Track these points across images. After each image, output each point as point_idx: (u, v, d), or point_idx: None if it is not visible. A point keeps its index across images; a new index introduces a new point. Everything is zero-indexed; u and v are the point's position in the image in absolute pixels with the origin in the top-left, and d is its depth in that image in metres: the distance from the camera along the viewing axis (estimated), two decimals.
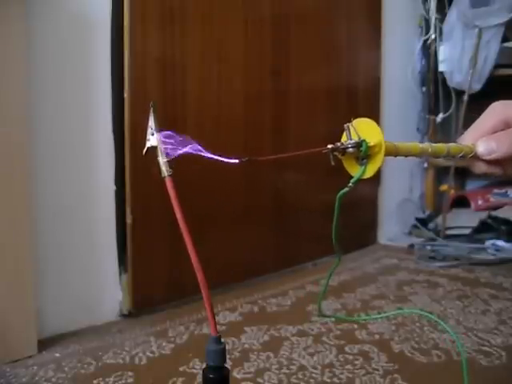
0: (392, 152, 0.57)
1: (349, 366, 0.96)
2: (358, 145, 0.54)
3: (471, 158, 0.65)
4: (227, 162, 0.50)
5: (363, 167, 0.56)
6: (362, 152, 0.55)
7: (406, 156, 0.59)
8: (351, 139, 0.55)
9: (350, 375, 0.92)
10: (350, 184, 0.56)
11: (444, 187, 2.20)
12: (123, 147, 1.21)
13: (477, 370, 0.95)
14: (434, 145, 0.62)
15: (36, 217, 1.07)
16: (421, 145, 0.61)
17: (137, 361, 0.99)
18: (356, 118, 0.55)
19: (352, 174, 0.57)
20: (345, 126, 0.55)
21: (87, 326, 1.17)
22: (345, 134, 0.55)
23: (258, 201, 1.56)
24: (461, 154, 0.64)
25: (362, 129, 0.55)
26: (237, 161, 0.51)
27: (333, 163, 0.56)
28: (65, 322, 1.13)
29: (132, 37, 1.20)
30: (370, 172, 0.56)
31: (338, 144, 0.55)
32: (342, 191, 0.57)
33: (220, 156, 0.50)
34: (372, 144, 0.54)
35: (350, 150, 0.55)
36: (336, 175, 1.80)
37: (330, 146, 0.55)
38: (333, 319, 1.21)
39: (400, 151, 0.58)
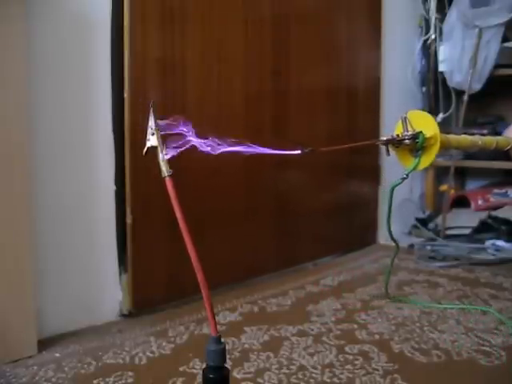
0: (445, 144, 0.57)
1: (349, 366, 0.96)
2: (415, 136, 0.54)
3: None
4: (290, 154, 0.50)
5: (418, 159, 0.56)
6: (419, 143, 0.55)
7: (457, 148, 0.60)
8: (407, 131, 0.55)
9: (350, 375, 0.92)
10: (405, 175, 0.57)
11: (444, 187, 2.20)
12: (123, 147, 1.21)
13: (477, 370, 0.95)
14: (483, 138, 0.63)
15: (36, 217, 1.07)
16: (471, 137, 0.61)
17: (137, 361, 0.99)
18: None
19: (405, 166, 0.57)
20: (401, 117, 0.55)
21: (87, 326, 1.17)
22: (400, 125, 0.55)
23: (258, 201, 1.56)
24: (508, 147, 0.64)
25: (416, 121, 0.55)
26: (299, 151, 0.51)
27: (388, 155, 0.56)
28: (65, 322, 1.13)
29: (132, 37, 1.20)
30: (424, 163, 0.57)
31: (394, 136, 0.55)
32: (395, 182, 0.57)
33: (281, 150, 0.50)
34: (428, 136, 0.54)
35: (407, 141, 0.55)
36: (336, 175, 1.81)
37: (384, 138, 0.55)
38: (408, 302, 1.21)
39: (452, 143, 0.58)
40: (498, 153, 0.68)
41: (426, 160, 0.57)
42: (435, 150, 0.55)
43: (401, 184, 0.57)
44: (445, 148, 0.58)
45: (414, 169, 0.57)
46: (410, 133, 0.55)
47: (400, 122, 0.55)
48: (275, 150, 0.52)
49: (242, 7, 1.47)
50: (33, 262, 1.03)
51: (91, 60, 1.18)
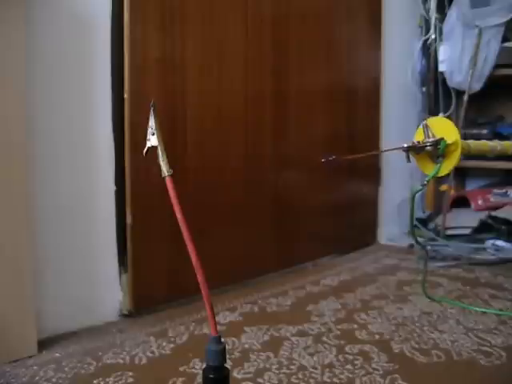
0: (465, 150, 0.57)
1: (349, 366, 0.96)
2: (437, 143, 0.54)
3: None
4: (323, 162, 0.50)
5: (439, 165, 0.56)
6: (440, 150, 0.55)
7: (477, 154, 0.60)
8: (429, 137, 0.55)
9: (350, 375, 0.92)
10: (425, 182, 0.57)
11: (444, 187, 2.20)
12: (123, 147, 1.21)
13: (477, 370, 0.95)
14: (501, 143, 0.63)
15: (36, 217, 1.07)
16: (490, 143, 0.61)
17: (137, 361, 0.99)
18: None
19: (426, 172, 0.57)
20: (422, 124, 0.55)
21: (87, 326, 1.17)
22: (420, 132, 0.55)
23: (258, 201, 1.56)
24: None
25: (436, 127, 0.55)
26: (323, 160, 0.51)
27: (409, 162, 0.55)
28: (65, 322, 1.13)
29: (132, 37, 1.20)
30: (445, 170, 0.57)
31: (416, 142, 0.55)
32: (417, 189, 0.58)
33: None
34: (450, 142, 0.54)
35: (428, 148, 0.55)
36: (336, 175, 1.82)
37: (406, 145, 0.55)
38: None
39: (472, 149, 0.59)
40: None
41: (447, 166, 0.57)
42: (456, 156, 0.56)
43: (422, 190, 0.57)
44: (465, 154, 0.58)
45: (435, 175, 0.57)
46: (431, 139, 0.55)
47: (420, 128, 0.55)
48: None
49: (242, 7, 1.48)
50: (33, 262, 1.02)
51: (91, 60, 1.18)
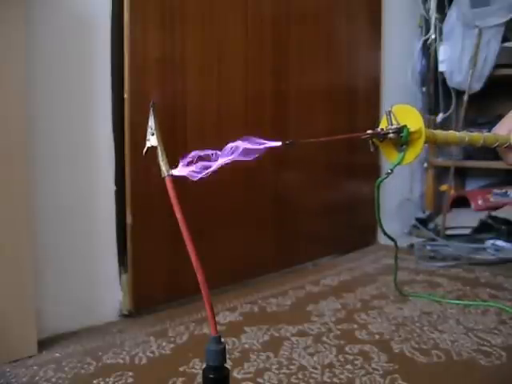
0: (430, 139, 0.56)
1: (349, 366, 0.96)
2: (399, 130, 0.54)
3: (506, 147, 0.65)
4: (272, 147, 0.50)
5: (402, 153, 0.56)
6: (403, 138, 0.54)
7: (444, 144, 0.60)
8: (392, 125, 0.54)
9: (350, 375, 0.92)
10: (389, 170, 0.56)
11: (444, 187, 2.20)
12: (123, 147, 1.21)
13: (477, 370, 0.95)
14: (470, 134, 0.62)
15: (36, 217, 1.07)
16: (458, 134, 0.61)
17: (137, 361, 0.99)
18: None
19: (390, 161, 0.57)
20: (385, 111, 0.55)
21: (87, 326, 1.17)
22: (384, 119, 0.55)
23: (257, 201, 1.56)
24: (496, 144, 0.63)
25: (401, 115, 0.55)
26: (280, 143, 0.51)
27: (372, 149, 0.55)
28: (65, 322, 1.13)
29: (132, 37, 1.20)
30: (409, 158, 0.56)
31: (379, 130, 0.55)
32: (380, 178, 0.57)
33: (263, 142, 0.50)
34: (413, 130, 0.54)
35: (391, 135, 0.54)
36: (336, 175, 1.81)
37: (369, 132, 0.55)
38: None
39: (438, 139, 0.58)
40: (498, 152, 0.67)
41: (411, 155, 0.56)
42: (420, 144, 0.55)
43: (385, 179, 0.56)
44: (431, 143, 0.57)
45: (399, 163, 0.56)
46: (394, 126, 0.55)
47: (385, 115, 0.55)
48: (255, 143, 0.52)
49: (242, 7, 1.48)
50: (33, 262, 1.02)
51: (91, 60, 1.18)
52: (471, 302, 1.29)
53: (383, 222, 0.66)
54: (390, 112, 0.55)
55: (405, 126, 0.54)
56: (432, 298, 1.34)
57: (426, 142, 0.55)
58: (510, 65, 2.07)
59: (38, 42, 1.07)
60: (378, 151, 0.57)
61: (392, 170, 0.56)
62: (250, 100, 1.51)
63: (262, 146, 0.49)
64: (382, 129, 0.55)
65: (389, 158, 0.57)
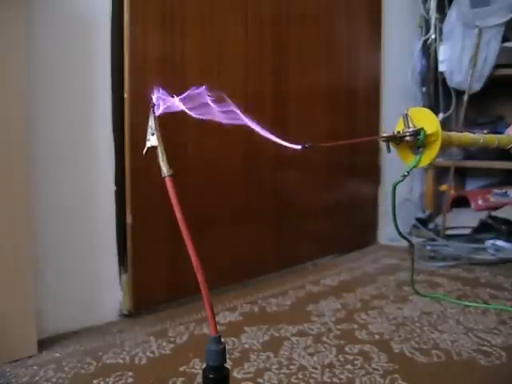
0: (446, 141, 0.57)
1: (349, 366, 0.96)
2: (416, 133, 0.54)
3: None
4: (291, 148, 0.50)
5: (419, 156, 0.56)
6: (420, 140, 0.54)
7: (458, 146, 0.60)
8: (409, 128, 0.54)
9: (350, 375, 0.92)
10: (406, 173, 0.56)
11: (444, 187, 2.20)
12: (123, 147, 1.21)
13: (477, 370, 0.95)
14: (485, 136, 0.62)
15: (36, 217, 1.07)
16: (472, 135, 0.61)
17: (137, 361, 0.99)
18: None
19: (406, 164, 0.57)
20: (402, 114, 0.55)
21: (87, 326, 1.17)
22: (400, 122, 0.55)
23: (258, 201, 1.56)
24: (510, 146, 0.63)
25: (417, 118, 0.55)
26: (299, 147, 0.51)
27: (388, 152, 0.55)
28: (65, 322, 1.13)
29: (132, 37, 1.20)
30: (425, 161, 0.56)
31: (395, 133, 0.55)
32: (397, 181, 0.57)
33: (283, 141, 0.50)
34: (429, 132, 0.54)
35: (408, 138, 0.54)
36: (336, 175, 1.81)
37: (385, 135, 0.55)
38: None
39: (453, 141, 0.58)
40: (498, 152, 0.68)
41: (428, 157, 0.56)
42: (437, 147, 0.55)
43: (402, 182, 0.57)
44: (446, 145, 0.57)
45: (415, 166, 0.56)
46: (411, 129, 0.55)
47: (401, 118, 0.55)
48: (277, 137, 0.52)
49: (242, 7, 1.48)
50: (33, 262, 1.02)
51: (91, 60, 1.18)
52: (491, 306, 1.27)
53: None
54: (406, 115, 0.55)
55: (422, 128, 0.54)
56: (448, 299, 1.32)
57: (442, 145, 0.55)
58: (510, 65, 2.07)
59: (38, 43, 1.07)
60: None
61: (408, 173, 0.56)
62: (250, 100, 1.51)
63: (279, 141, 0.50)
64: (399, 131, 0.55)
65: (405, 161, 0.57)
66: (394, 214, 0.62)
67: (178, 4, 1.30)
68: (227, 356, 0.57)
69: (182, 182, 1.33)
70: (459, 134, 0.60)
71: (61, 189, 1.13)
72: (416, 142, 0.55)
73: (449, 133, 0.58)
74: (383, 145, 0.57)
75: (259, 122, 0.53)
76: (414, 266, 1.72)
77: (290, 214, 1.67)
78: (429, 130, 0.54)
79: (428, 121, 0.55)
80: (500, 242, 1.90)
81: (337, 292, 1.43)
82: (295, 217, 1.69)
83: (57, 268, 1.13)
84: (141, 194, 1.24)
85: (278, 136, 0.50)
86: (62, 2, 1.11)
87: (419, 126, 0.54)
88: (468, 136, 0.61)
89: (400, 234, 0.62)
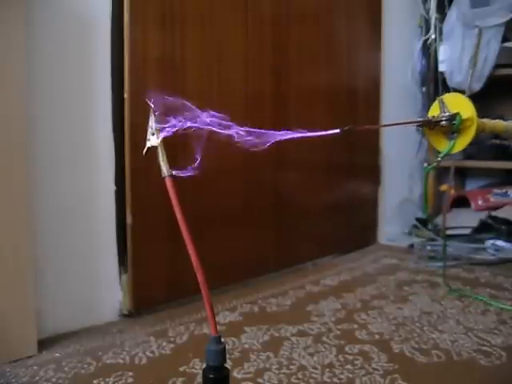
0: (480, 127, 0.56)
1: (349, 366, 0.96)
2: (452, 118, 0.54)
3: None
4: (329, 134, 0.50)
5: (453, 141, 0.55)
6: (456, 125, 0.54)
7: (491, 132, 0.59)
8: (445, 112, 0.54)
9: (350, 375, 0.92)
10: (439, 158, 0.56)
11: (444, 187, 2.20)
12: (123, 147, 1.21)
13: (477, 370, 0.95)
14: None
15: (36, 217, 1.07)
16: (505, 123, 0.61)
17: (137, 361, 0.99)
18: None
19: (438, 149, 0.56)
20: (438, 99, 0.54)
21: (87, 326, 1.17)
22: (435, 107, 0.54)
23: (258, 201, 1.56)
24: None
25: (451, 103, 0.54)
26: (338, 130, 0.51)
27: (423, 138, 0.56)
28: (65, 322, 1.13)
29: (132, 37, 1.20)
30: (459, 146, 0.56)
31: (430, 117, 0.55)
32: (429, 166, 0.57)
33: (319, 131, 0.50)
34: (465, 117, 0.54)
35: (443, 123, 0.54)
36: (336, 175, 1.81)
37: (420, 119, 0.55)
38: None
39: (486, 127, 0.58)
40: (498, 152, 0.68)
41: (462, 143, 0.56)
42: (471, 132, 0.55)
43: (432, 169, 0.56)
44: (479, 132, 0.57)
45: (449, 152, 0.56)
46: (447, 114, 0.54)
47: (436, 103, 0.55)
48: (313, 132, 0.53)
49: (241, 8, 1.48)
50: (33, 262, 1.02)
51: (91, 60, 1.18)
52: None
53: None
54: (442, 100, 0.54)
55: (458, 113, 0.54)
56: (486, 301, 1.31)
57: (476, 131, 0.55)
58: (510, 65, 2.07)
59: (38, 43, 1.07)
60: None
61: (442, 158, 0.56)
62: (250, 100, 1.51)
63: (318, 134, 0.50)
64: (434, 116, 0.55)
65: (437, 147, 0.57)
66: (426, 200, 0.62)
67: (178, 4, 1.30)
68: (227, 356, 0.57)
69: (182, 181, 1.33)
70: (492, 121, 0.60)
71: (61, 189, 1.13)
72: (451, 127, 0.54)
73: (482, 120, 0.57)
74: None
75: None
76: (415, 266, 1.72)
77: (290, 214, 1.67)
78: (464, 115, 0.54)
79: (463, 106, 0.55)
80: (500, 242, 1.90)
81: (337, 292, 1.44)
82: (295, 217, 1.69)
83: (57, 268, 1.13)
84: (141, 194, 1.24)
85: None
86: (62, 2, 1.11)
87: (455, 111, 0.54)
88: (501, 123, 0.60)
89: (430, 220, 0.62)
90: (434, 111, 0.55)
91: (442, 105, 0.54)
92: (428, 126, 0.55)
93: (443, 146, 0.57)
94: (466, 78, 2.10)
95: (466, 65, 2.10)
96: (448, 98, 0.55)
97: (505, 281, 1.54)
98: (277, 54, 1.59)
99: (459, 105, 0.54)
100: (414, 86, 2.27)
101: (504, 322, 1.18)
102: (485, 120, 0.58)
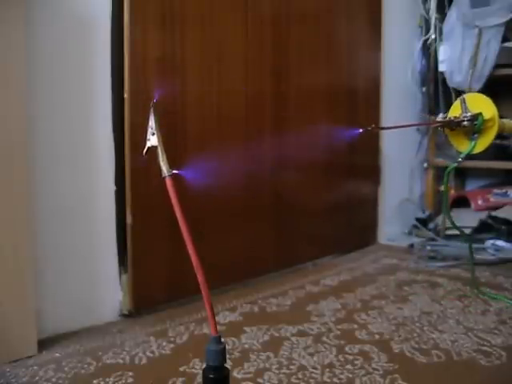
0: (500, 127, 0.56)
1: (349, 366, 0.96)
2: (474, 118, 0.53)
3: None
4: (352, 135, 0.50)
5: (474, 142, 0.55)
6: (477, 125, 0.53)
7: (510, 132, 0.59)
8: (467, 112, 0.54)
9: (350, 375, 0.92)
10: (460, 159, 0.56)
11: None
12: (123, 147, 1.21)
13: (477, 370, 0.95)
14: None
15: (36, 217, 1.07)
16: None
17: (137, 361, 0.99)
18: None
19: (459, 149, 0.56)
20: (459, 98, 0.54)
21: (87, 326, 1.17)
22: (455, 107, 0.54)
23: (257, 201, 1.56)
24: None
25: (472, 103, 0.54)
26: (360, 130, 0.51)
27: (444, 138, 0.55)
28: (65, 322, 1.14)
29: (132, 37, 1.20)
30: (480, 147, 0.55)
31: (452, 117, 0.54)
32: (451, 166, 0.57)
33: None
34: (487, 118, 0.53)
35: (465, 123, 0.54)
36: (336, 175, 1.82)
37: (441, 120, 0.54)
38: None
39: (506, 128, 0.58)
40: (498, 152, 0.68)
41: (483, 143, 0.56)
42: (493, 132, 0.55)
43: (453, 169, 0.55)
44: (500, 132, 0.57)
45: (470, 152, 0.55)
46: (468, 114, 0.54)
47: (457, 103, 0.54)
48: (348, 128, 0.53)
49: (241, 8, 1.47)
50: (32, 262, 1.03)
51: (91, 60, 1.18)
52: None
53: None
54: (464, 99, 0.54)
55: (480, 113, 0.53)
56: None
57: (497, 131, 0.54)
58: (510, 65, 2.06)
59: (38, 43, 1.07)
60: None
61: (463, 159, 0.56)
62: (250, 100, 1.51)
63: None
64: (455, 116, 0.55)
65: (458, 147, 0.57)
66: (447, 201, 0.63)
67: (178, 4, 1.30)
68: (227, 356, 0.57)
69: (182, 182, 1.33)
70: (511, 120, 0.59)
71: (61, 189, 1.13)
72: (472, 127, 0.54)
73: (502, 120, 0.57)
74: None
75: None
76: (415, 266, 1.72)
77: (290, 213, 1.67)
78: (486, 116, 0.53)
79: (484, 106, 0.54)
80: (500, 242, 1.90)
81: (337, 292, 1.43)
82: (295, 217, 1.69)
83: (57, 268, 1.13)
84: (141, 194, 1.24)
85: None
86: (62, 2, 1.11)
87: (477, 112, 0.53)
88: None
89: (452, 223, 0.62)
90: (455, 111, 0.55)
91: (464, 105, 0.54)
92: (449, 126, 0.55)
93: (464, 146, 0.56)
94: (466, 78, 2.10)
95: (466, 65, 2.10)
96: (469, 97, 0.55)
97: (505, 281, 1.54)
98: (277, 54, 1.59)
99: (480, 105, 0.54)
100: (414, 86, 2.27)
101: (504, 322, 1.18)
102: (504, 120, 0.58)
